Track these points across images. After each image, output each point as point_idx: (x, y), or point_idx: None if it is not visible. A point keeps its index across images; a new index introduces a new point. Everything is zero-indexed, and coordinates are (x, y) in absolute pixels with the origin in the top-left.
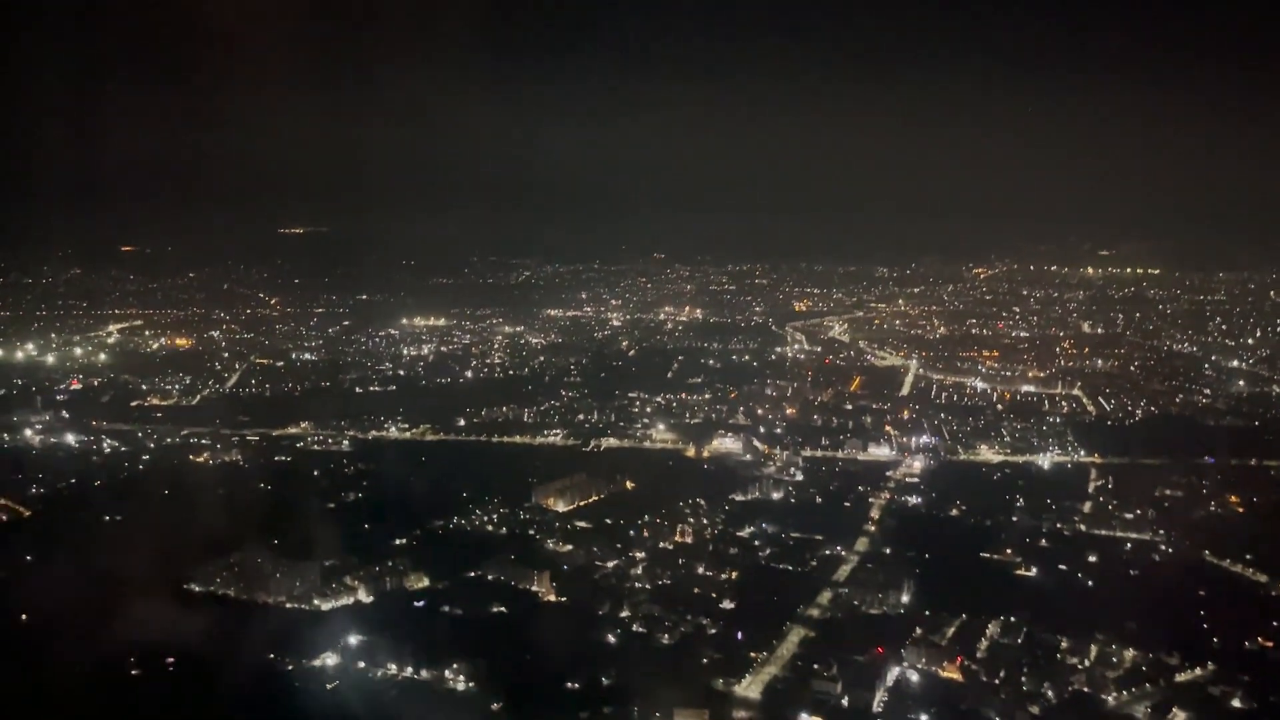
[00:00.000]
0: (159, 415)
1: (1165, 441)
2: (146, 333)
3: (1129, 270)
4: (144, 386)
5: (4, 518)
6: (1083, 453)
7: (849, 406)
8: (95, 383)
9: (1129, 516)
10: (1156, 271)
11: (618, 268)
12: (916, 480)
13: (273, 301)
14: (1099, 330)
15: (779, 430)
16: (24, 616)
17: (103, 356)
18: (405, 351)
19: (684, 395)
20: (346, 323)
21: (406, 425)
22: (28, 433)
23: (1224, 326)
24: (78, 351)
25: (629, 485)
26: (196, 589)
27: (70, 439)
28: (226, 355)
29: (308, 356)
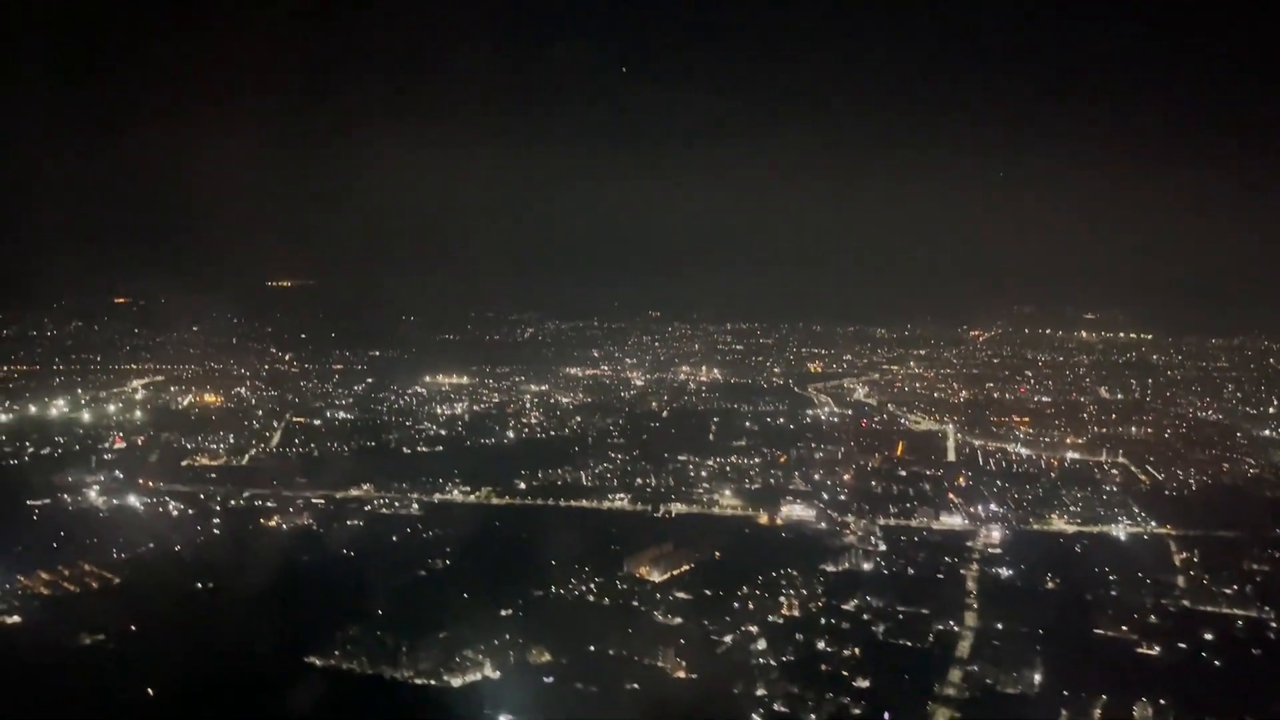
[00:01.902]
0: (213, 475)
1: (1231, 513)
2: (172, 389)
3: (1121, 335)
4: (188, 445)
5: (94, 585)
6: (1153, 523)
7: (903, 473)
8: (139, 441)
9: (1228, 592)
10: (1149, 336)
11: (618, 325)
12: (1000, 551)
13: (286, 357)
14: (1118, 396)
15: (842, 497)
16: (150, 692)
17: (138, 414)
18: (439, 410)
19: (734, 459)
20: (370, 380)
21: (468, 488)
22: (90, 494)
23: (1238, 394)
24: (111, 409)
25: (716, 554)
26: (318, 663)
27: (133, 500)
28: (261, 413)
29: (343, 415)
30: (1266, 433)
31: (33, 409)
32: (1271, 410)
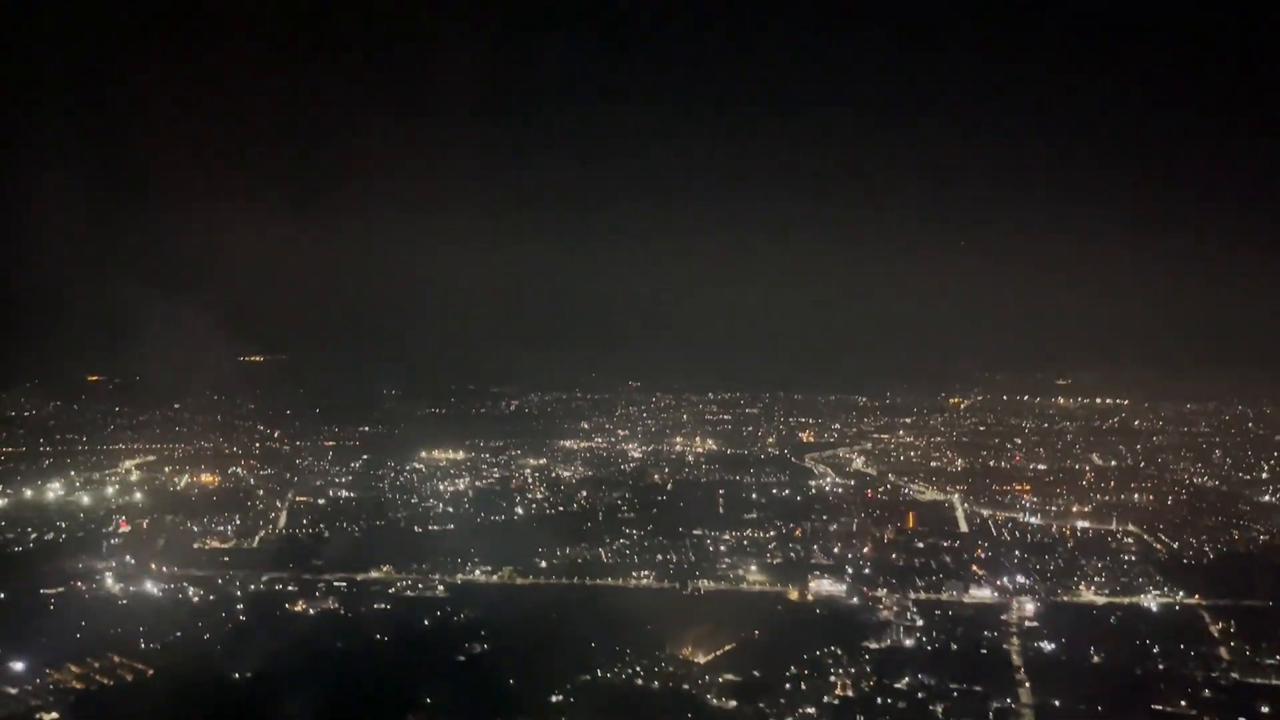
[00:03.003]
0: (225, 559)
1: (1254, 581)
2: (166, 469)
3: (1099, 400)
4: (194, 528)
5: (128, 677)
6: (1181, 593)
7: (920, 544)
8: (144, 524)
9: (1272, 663)
10: (1126, 401)
11: (600, 396)
12: (1037, 624)
13: (275, 434)
14: (1112, 462)
15: (867, 570)
16: None
17: (137, 496)
18: (442, 487)
19: (749, 532)
20: (365, 456)
21: (489, 568)
22: (105, 581)
23: (1228, 459)
24: (108, 491)
25: (755, 633)
26: None
27: (150, 587)
28: (262, 493)
29: (345, 494)
30: (1266, 498)
31: (27, 492)
32: (1265, 475)
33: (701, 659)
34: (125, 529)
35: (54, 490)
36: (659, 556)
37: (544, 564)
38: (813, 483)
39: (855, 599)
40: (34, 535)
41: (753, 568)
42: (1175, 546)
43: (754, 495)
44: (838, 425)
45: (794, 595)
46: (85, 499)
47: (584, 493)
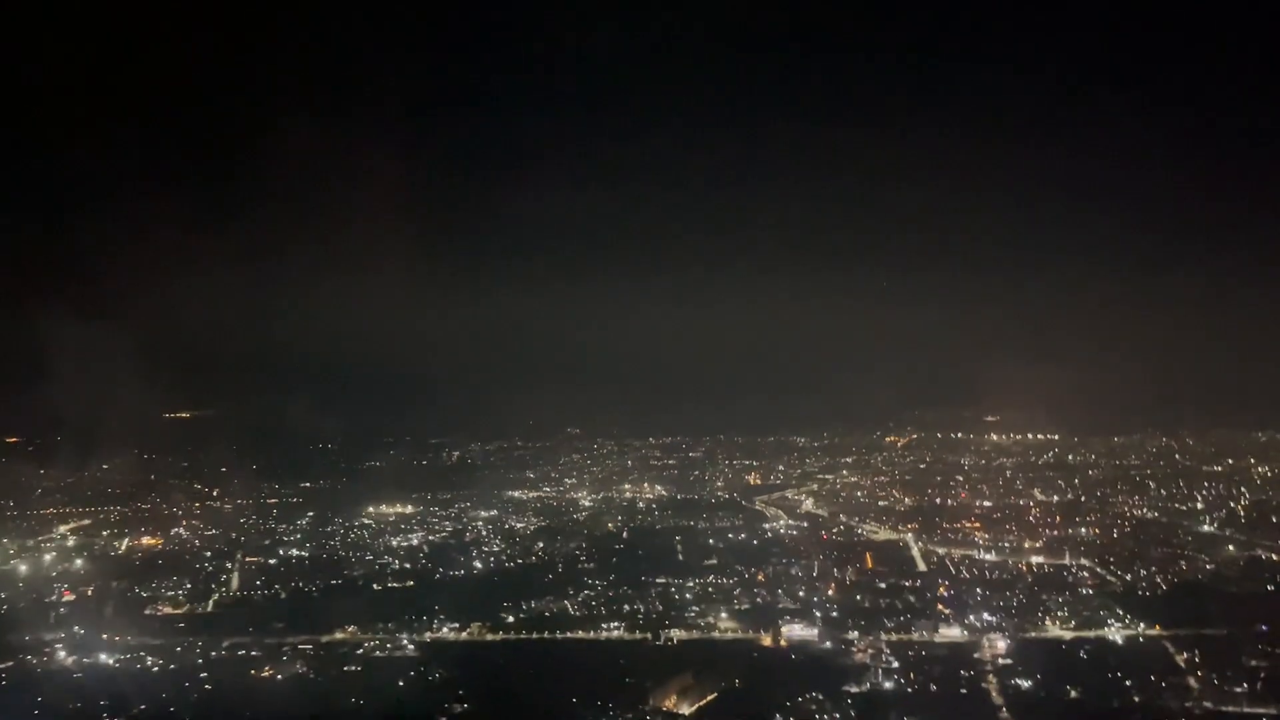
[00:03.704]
0: (181, 625)
1: (1209, 610)
2: (104, 533)
3: (1029, 436)
4: (143, 593)
5: None
6: (1142, 625)
7: (882, 584)
8: (88, 592)
9: (1238, 691)
10: (1056, 437)
11: (542, 444)
12: (1011, 661)
13: (214, 493)
14: (1054, 497)
15: (834, 613)
16: None
17: (78, 563)
18: (394, 542)
19: (712, 579)
20: (310, 513)
21: (456, 624)
22: (57, 653)
23: (1162, 491)
24: (47, 559)
25: (736, 682)
26: None
27: (106, 658)
28: (209, 554)
29: (296, 552)
30: (1205, 528)
31: None
32: (1200, 506)
33: (686, 710)
34: (70, 597)
35: None
36: (626, 607)
37: (511, 618)
38: (766, 525)
39: (828, 643)
40: None
41: (722, 615)
42: (1128, 579)
43: (711, 540)
44: (782, 467)
45: (767, 641)
46: (22, 568)
47: (540, 544)
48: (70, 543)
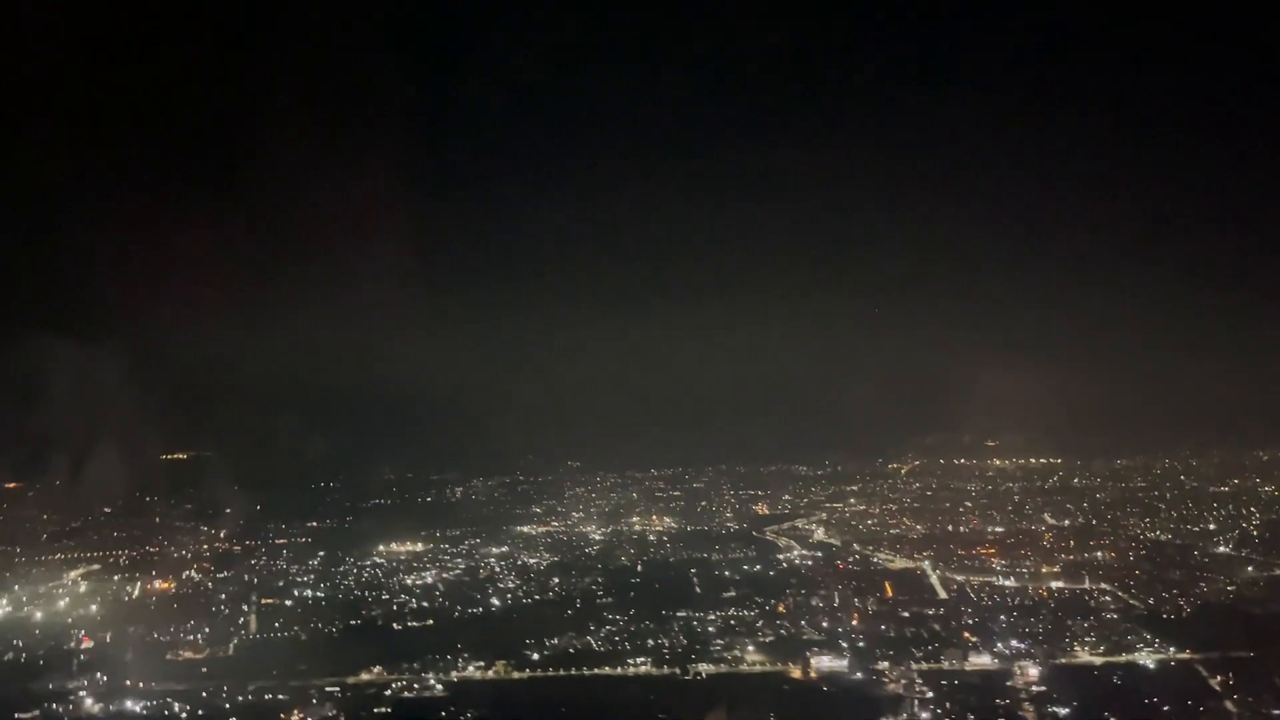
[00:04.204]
0: (204, 670)
1: (1235, 632)
2: (115, 578)
3: (1032, 460)
4: (162, 638)
5: None
6: (1171, 649)
7: (905, 613)
8: (107, 638)
9: (1276, 713)
10: (1059, 461)
11: (543, 478)
12: (1045, 689)
13: (221, 534)
14: (1065, 522)
15: (861, 643)
16: None
17: (93, 608)
18: (409, 581)
19: (732, 611)
20: (321, 553)
21: (481, 663)
22: (83, 701)
23: (1173, 513)
24: (60, 605)
25: (771, 716)
26: None
27: (131, 705)
28: (224, 597)
29: (310, 593)
30: (1221, 549)
31: None
32: (1213, 527)
33: None
34: (89, 644)
35: (1, 607)
36: (649, 641)
37: (535, 656)
38: (780, 556)
39: (859, 674)
40: None
41: (748, 648)
42: (1151, 602)
43: (726, 572)
44: (788, 496)
45: (796, 674)
46: (37, 614)
47: (555, 579)
48: (82, 588)
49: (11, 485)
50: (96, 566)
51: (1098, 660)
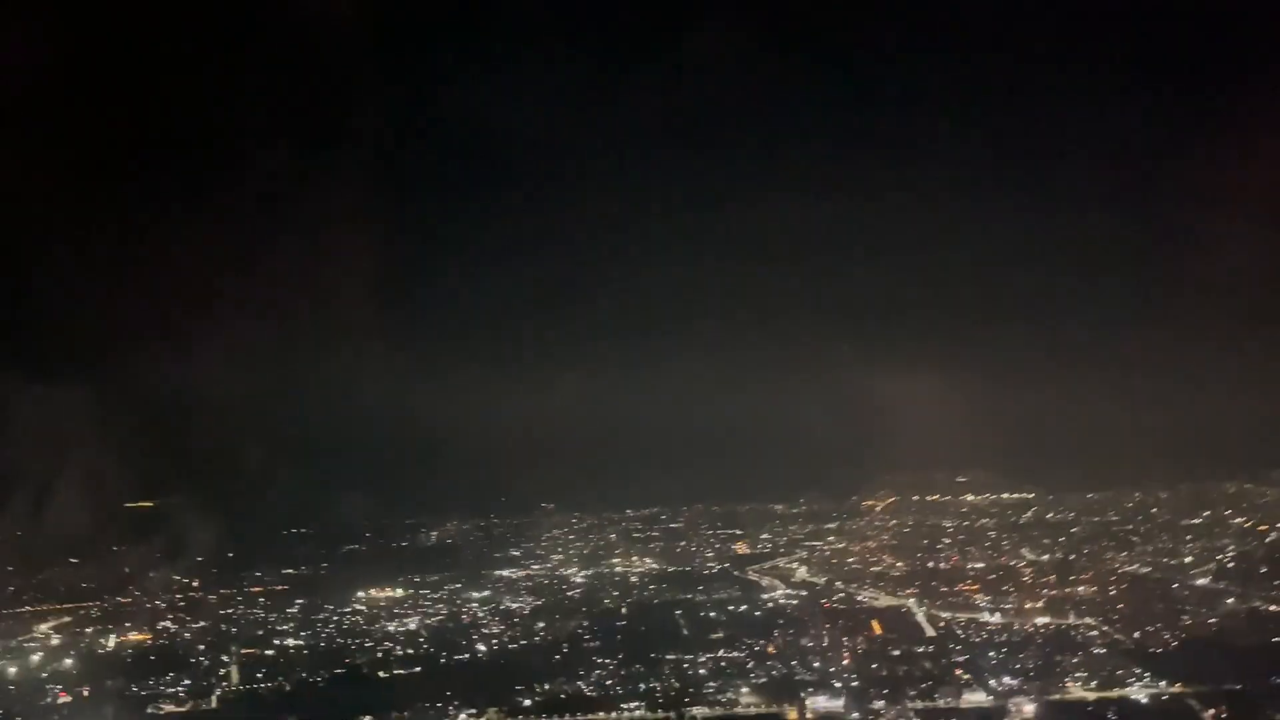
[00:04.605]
0: None
1: (1223, 665)
2: (87, 630)
3: (1004, 495)
4: (141, 691)
5: None
6: (1163, 682)
7: (895, 651)
8: (84, 693)
9: None
10: (1031, 495)
11: (518, 520)
12: None
13: (195, 584)
14: (1044, 557)
15: (855, 683)
16: None
17: (67, 661)
18: (391, 628)
19: (722, 653)
20: (299, 601)
21: (473, 710)
22: None
23: (1149, 547)
24: (34, 659)
25: None
26: None
27: None
28: (202, 647)
29: (291, 642)
30: (1199, 582)
31: None
32: (1189, 560)
33: None
34: (66, 699)
35: None
36: (641, 685)
37: (527, 702)
38: (764, 596)
39: (855, 713)
40: None
41: (742, 689)
42: (1137, 636)
43: (712, 614)
44: (766, 535)
45: (793, 715)
46: (10, 669)
47: (540, 624)
48: (54, 641)
49: None
50: (67, 619)
51: (1090, 695)
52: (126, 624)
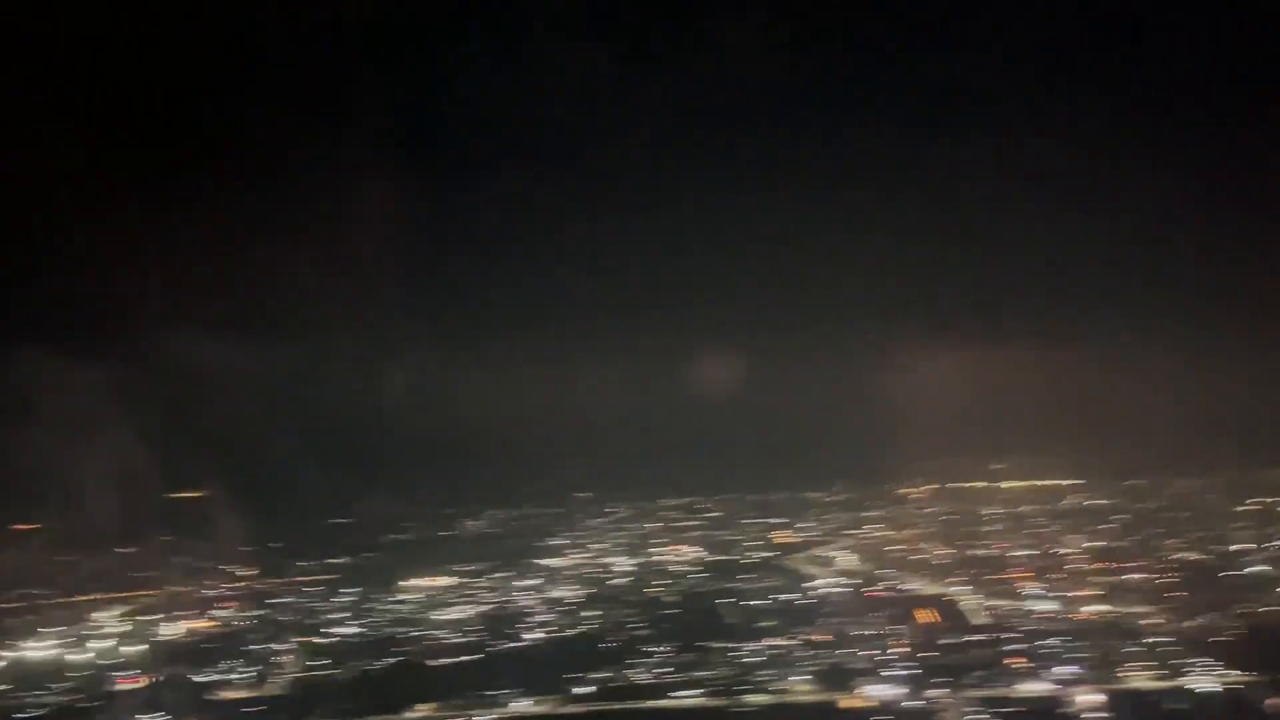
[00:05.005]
0: (249, 710)
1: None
2: (145, 618)
3: (1042, 482)
4: (202, 679)
5: None
6: (1224, 672)
7: (947, 640)
8: (149, 679)
9: None
10: (1068, 482)
11: (555, 510)
12: (1109, 715)
13: (242, 572)
14: (1090, 544)
15: (906, 671)
16: None
17: (128, 650)
18: (441, 616)
19: (771, 640)
20: (348, 590)
21: (531, 699)
22: None
23: (1197, 534)
24: (96, 646)
25: None
26: None
27: None
28: (259, 635)
29: (344, 630)
30: (1254, 569)
31: (5, 654)
32: (1238, 547)
33: None
34: (129, 686)
35: (34, 650)
36: (694, 673)
37: (582, 690)
38: (810, 584)
39: (914, 702)
40: (36, 699)
41: (793, 677)
42: (1194, 624)
43: (760, 602)
44: (805, 523)
45: (850, 702)
46: (74, 657)
47: (589, 612)
48: (115, 629)
49: (23, 527)
50: (125, 607)
51: (1153, 685)
52: (182, 612)
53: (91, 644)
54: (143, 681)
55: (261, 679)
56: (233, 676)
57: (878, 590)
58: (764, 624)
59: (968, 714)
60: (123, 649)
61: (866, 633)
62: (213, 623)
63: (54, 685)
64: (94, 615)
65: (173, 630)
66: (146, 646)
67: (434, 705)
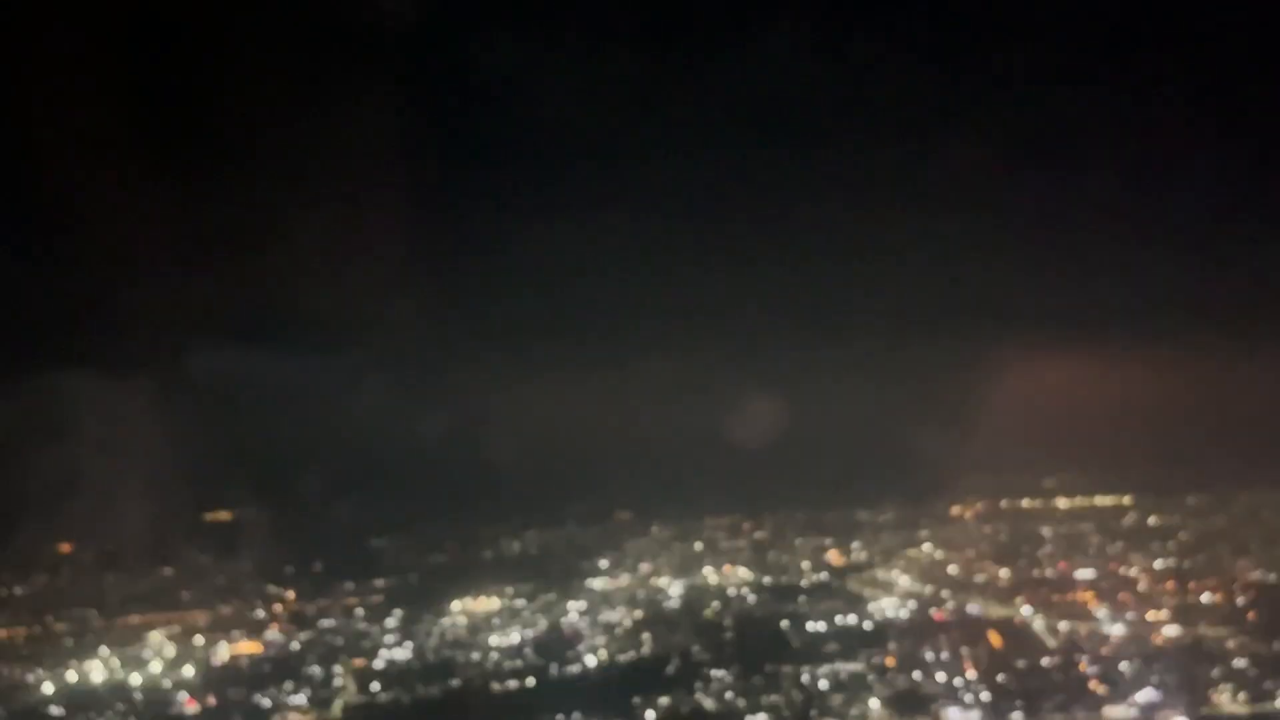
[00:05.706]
0: None
1: None
2: (197, 639)
3: (1097, 499)
4: (263, 702)
5: None
6: None
7: (1020, 664)
8: (210, 701)
9: None
10: (1125, 499)
11: (597, 529)
12: None
13: (290, 595)
14: (1157, 564)
15: (985, 696)
16: None
17: (186, 672)
18: (493, 640)
19: (841, 665)
20: (397, 612)
21: None
22: None
23: (1270, 554)
24: (153, 668)
25: None
26: None
27: None
28: (313, 658)
29: (399, 654)
30: None
31: (70, 676)
32: None
33: None
34: (194, 708)
35: (95, 671)
36: (762, 698)
37: (650, 715)
38: (871, 607)
39: None
40: None
41: (869, 702)
42: (1277, 647)
43: (821, 624)
44: (857, 544)
45: None
46: (133, 678)
47: (645, 635)
48: (168, 651)
49: (65, 548)
50: (177, 629)
51: (1243, 711)
52: (233, 633)
53: (151, 665)
54: (209, 703)
55: (324, 702)
56: (295, 699)
57: (943, 612)
58: (829, 647)
59: None
60: (183, 670)
61: (937, 656)
62: (266, 645)
63: (123, 705)
64: (148, 635)
65: (223, 652)
66: (205, 668)
67: None
